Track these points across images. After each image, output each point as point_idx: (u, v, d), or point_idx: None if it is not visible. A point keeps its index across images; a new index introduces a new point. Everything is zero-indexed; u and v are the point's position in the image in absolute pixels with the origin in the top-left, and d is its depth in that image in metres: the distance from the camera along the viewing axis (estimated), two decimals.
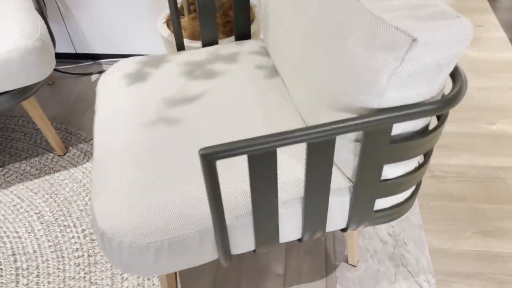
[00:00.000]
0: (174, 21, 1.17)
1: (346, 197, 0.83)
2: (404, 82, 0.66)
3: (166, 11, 1.58)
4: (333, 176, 0.84)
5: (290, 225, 0.84)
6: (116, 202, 0.80)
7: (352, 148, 0.78)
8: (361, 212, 0.85)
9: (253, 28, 1.48)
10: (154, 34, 1.89)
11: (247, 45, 1.20)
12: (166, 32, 1.47)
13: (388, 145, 0.73)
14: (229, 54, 1.16)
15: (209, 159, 0.63)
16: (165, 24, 1.51)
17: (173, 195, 0.81)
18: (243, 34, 1.24)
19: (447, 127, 1.68)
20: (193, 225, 0.78)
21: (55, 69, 2.01)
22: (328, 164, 0.72)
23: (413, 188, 0.90)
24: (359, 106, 0.72)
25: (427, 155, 0.85)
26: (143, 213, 0.78)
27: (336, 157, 0.83)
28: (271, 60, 1.14)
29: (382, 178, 0.80)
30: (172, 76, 1.08)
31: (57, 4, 1.87)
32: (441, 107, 0.68)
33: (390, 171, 0.79)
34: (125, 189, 0.82)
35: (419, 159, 0.81)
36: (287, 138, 0.65)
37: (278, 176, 0.84)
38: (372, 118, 0.67)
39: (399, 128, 0.73)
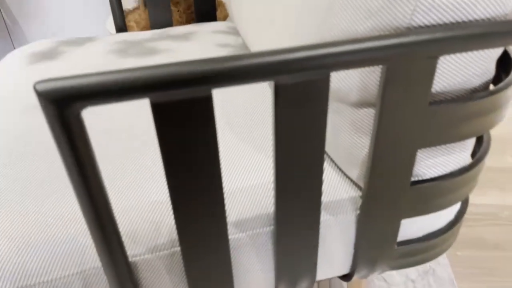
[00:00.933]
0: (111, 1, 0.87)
1: (350, 216, 0.47)
2: None
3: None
4: (327, 179, 0.49)
5: (251, 267, 0.47)
6: None
7: (360, 122, 0.44)
8: (376, 244, 0.49)
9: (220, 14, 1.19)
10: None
11: (208, 25, 0.89)
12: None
13: (427, 107, 0.39)
14: (182, 33, 0.85)
15: (63, 104, 0.29)
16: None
17: (38, 212, 0.45)
18: (207, 15, 0.94)
19: None
20: (70, 265, 0.42)
21: None
22: (316, 146, 0.38)
23: (458, 204, 0.55)
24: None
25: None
26: None
27: (332, 146, 0.49)
28: (239, 39, 0.82)
29: (414, 178, 0.46)
30: (94, 55, 0.76)
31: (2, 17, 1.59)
32: None
33: (428, 164, 0.45)
34: None
35: (472, 141, 0.47)
36: (234, 69, 0.31)
37: (227, 184, 0.49)
38: (417, 37, 0.33)
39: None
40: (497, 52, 0.40)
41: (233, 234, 0.45)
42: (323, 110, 0.36)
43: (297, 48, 0.32)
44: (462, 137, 0.42)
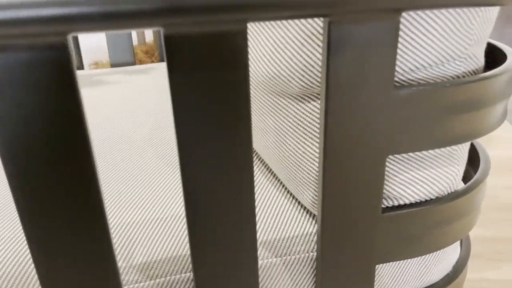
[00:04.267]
0: None
1: (303, 257, 0.34)
2: None
3: (91, 60, 1.24)
4: (270, 205, 0.36)
5: None
6: None
7: (308, 122, 0.32)
8: None
9: None
10: None
11: None
12: None
13: (392, 91, 0.28)
14: (140, 69, 0.76)
15: None
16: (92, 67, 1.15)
17: None
18: None
19: (474, 231, 1.33)
20: None
21: None
22: (239, 148, 0.26)
23: (457, 249, 0.42)
24: None
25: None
26: None
27: (276, 160, 0.37)
28: None
29: (387, 202, 0.33)
30: None
31: None
32: None
33: (404, 180, 0.33)
34: None
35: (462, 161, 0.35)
36: None
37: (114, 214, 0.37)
38: None
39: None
40: (486, 29, 0.30)
41: (134, 283, 0.32)
42: (243, 83, 0.25)
43: None
44: (447, 141, 0.30)
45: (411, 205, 0.33)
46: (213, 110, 0.25)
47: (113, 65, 0.83)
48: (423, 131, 0.30)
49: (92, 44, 1.42)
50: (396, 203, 0.33)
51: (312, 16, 0.24)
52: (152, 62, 1.13)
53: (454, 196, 0.34)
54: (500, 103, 0.32)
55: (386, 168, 0.32)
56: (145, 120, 0.53)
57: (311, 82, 0.30)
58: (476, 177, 0.37)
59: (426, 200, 0.33)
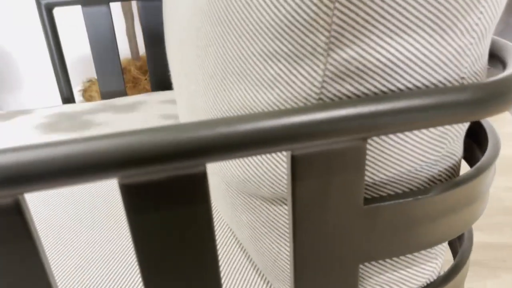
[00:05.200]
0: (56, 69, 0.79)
1: None
2: None
3: (84, 77, 1.24)
4: None
5: None
6: None
7: (281, 224, 0.32)
8: None
9: None
10: None
11: (160, 95, 0.80)
12: (78, 101, 1.11)
13: (361, 207, 0.27)
14: (129, 103, 0.76)
15: None
16: (80, 93, 1.15)
17: None
18: (163, 83, 0.86)
19: (476, 236, 1.28)
20: None
21: None
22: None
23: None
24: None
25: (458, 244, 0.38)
26: None
27: (255, 253, 0.37)
28: None
29: None
30: (16, 131, 0.66)
31: None
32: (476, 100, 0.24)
33: (378, 282, 0.32)
34: None
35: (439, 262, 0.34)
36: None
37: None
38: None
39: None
40: (458, 129, 0.29)
41: None
42: (202, 214, 0.25)
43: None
44: (421, 246, 0.30)
45: None
46: (176, 249, 0.25)
47: (103, 94, 0.82)
48: (396, 239, 0.29)
49: (80, 59, 1.40)
50: None
51: (274, 151, 0.24)
52: (146, 80, 1.11)
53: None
54: (483, 197, 0.32)
55: (360, 271, 0.31)
56: None
57: (281, 190, 0.29)
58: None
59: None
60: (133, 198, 0.23)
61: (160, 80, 0.85)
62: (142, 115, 0.69)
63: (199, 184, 0.24)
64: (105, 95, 0.83)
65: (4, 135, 0.65)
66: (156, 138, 0.22)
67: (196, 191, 0.24)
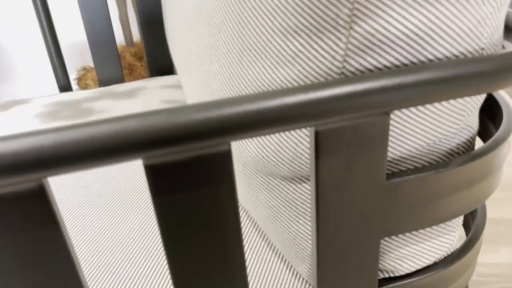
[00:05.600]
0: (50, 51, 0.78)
1: None
2: None
3: (78, 66, 1.22)
4: (271, 277, 0.36)
5: None
6: None
7: (299, 203, 0.32)
8: None
9: None
10: None
11: (159, 80, 0.80)
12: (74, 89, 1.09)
13: (383, 182, 0.27)
14: (128, 89, 0.75)
15: None
16: (75, 81, 1.13)
17: None
18: (161, 68, 0.85)
19: None
20: None
21: None
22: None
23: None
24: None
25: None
26: None
27: (274, 232, 0.37)
28: None
29: (383, 274, 0.33)
30: (15, 121, 0.65)
31: None
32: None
33: (399, 256, 0.32)
34: None
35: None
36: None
37: None
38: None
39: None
40: (476, 100, 0.29)
41: None
42: (230, 199, 0.24)
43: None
44: (440, 220, 0.30)
45: (407, 275, 0.33)
46: (201, 230, 0.24)
47: (101, 81, 0.81)
48: (417, 213, 0.29)
49: (71, 48, 1.38)
50: (392, 275, 0.33)
51: (298, 127, 0.23)
52: (142, 66, 1.10)
53: (450, 260, 0.34)
54: (497, 170, 0.32)
55: (381, 246, 0.32)
56: None
57: (301, 168, 0.29)
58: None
59: (421, 269, 0.33)
60: (158, 179, 0.23)
61: (158, 65, 0.84)
62: (143, 101, 0.69)
63: (224, 162, 0.23)
64: (103, 82, 0.82)
65: (2, 125, 0.64)
66: (181, 117, 0.22)
67: (221, 170, 0.23)
